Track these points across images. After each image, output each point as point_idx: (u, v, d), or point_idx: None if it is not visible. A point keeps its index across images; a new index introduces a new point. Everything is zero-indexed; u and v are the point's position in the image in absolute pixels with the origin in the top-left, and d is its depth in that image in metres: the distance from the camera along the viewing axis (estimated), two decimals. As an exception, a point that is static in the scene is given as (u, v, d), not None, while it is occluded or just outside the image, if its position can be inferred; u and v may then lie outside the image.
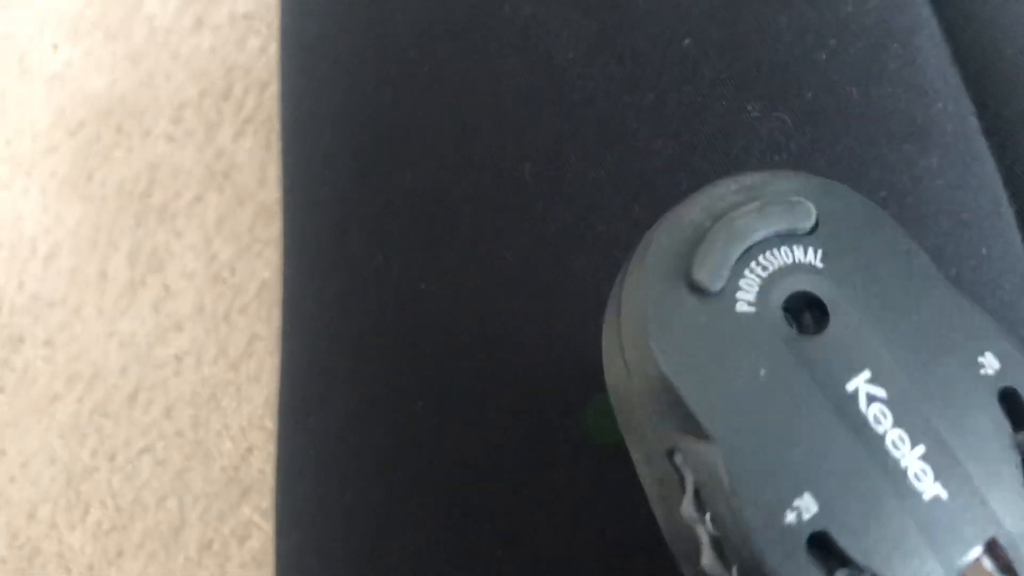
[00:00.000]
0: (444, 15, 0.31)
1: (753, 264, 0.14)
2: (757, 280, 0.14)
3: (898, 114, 0.29)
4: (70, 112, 0.60)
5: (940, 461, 0.13)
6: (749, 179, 0.15)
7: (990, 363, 0.14)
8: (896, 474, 0.13)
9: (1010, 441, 0.13)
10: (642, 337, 0.14)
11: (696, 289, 0.14)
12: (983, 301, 0.28)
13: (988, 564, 0.13)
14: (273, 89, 0.60)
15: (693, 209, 0.15)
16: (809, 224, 0.15)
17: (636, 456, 0.15)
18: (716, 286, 0.14)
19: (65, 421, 0.56)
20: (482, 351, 0.28)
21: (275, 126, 0.60)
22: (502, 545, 0.26)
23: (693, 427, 0.13)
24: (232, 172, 0.58)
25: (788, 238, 0.14)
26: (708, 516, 0.13)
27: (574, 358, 0.27)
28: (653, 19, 0.29)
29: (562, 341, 0.27)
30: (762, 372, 0.13)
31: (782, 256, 0.14)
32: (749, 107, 0.28)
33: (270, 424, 0.55)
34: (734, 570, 0.13)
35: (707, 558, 0.13)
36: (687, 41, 0.29)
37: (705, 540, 0.13)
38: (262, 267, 0.57)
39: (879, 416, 0.13)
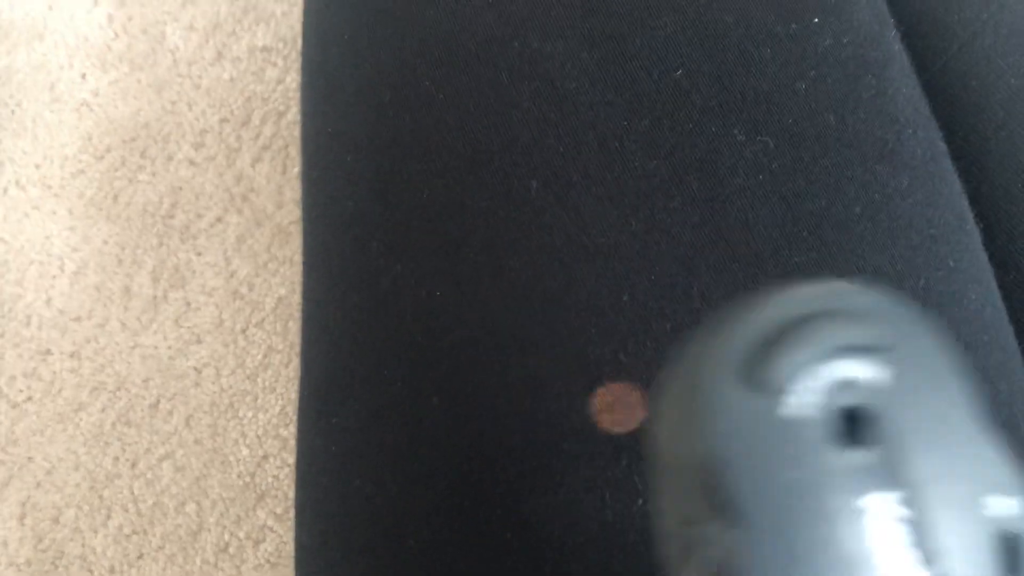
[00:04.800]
0: (458, 48, 0.32)
1: (817, 371, 0.14)
2: (815, 389, 0.14)
3: (871, 139, 0.30)
4: (97, 138, 0.61)
5: None
6: (832, 288, 0.16)
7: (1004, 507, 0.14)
8: None
9: None
10: (701, 421, 0.15)
11: (757, 385, 0.14)
12: (951, 310, 0.29)
13: None
14: (290, 117, 0.61)
15: (775, 308, 0.15)
16: (884, 343, 0.15)
17: (661, 508, 0.16)
18: (777, 387, 0.14)
19: (89, 430, 0.57)
20: (493, 351, 0.29)
21: (291, 152, 0.61)
22: (511, 529, 0.27)
23: (724, 510, 0.14)
24: (250, 195, 0.59)
25: (857, 351, 0.15)
26: None
27: (577, 356, 0.28)
28: (648, 52, 0.30)
29: (566, 341, 0.28)
30: (795, 476, 0.14)
31: (847, 368, 0.14)
32: (735, 131, 0.29)
33: (285, 432, 0.56)
34: None
35: None
36: (679, 72, 0.30)
37: None
38: (278, 284, 0.57)
39: (893, 535, 0.14)
